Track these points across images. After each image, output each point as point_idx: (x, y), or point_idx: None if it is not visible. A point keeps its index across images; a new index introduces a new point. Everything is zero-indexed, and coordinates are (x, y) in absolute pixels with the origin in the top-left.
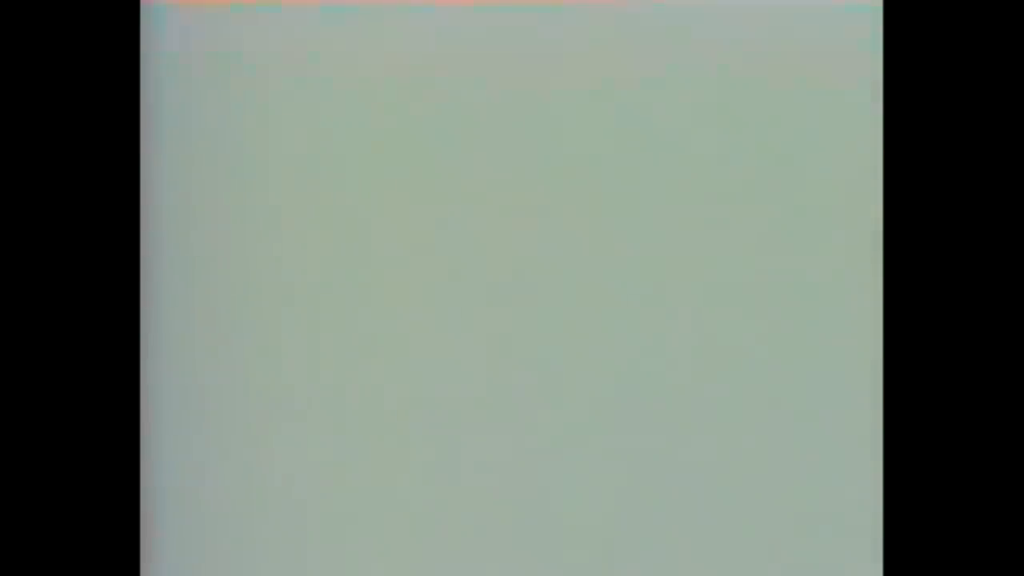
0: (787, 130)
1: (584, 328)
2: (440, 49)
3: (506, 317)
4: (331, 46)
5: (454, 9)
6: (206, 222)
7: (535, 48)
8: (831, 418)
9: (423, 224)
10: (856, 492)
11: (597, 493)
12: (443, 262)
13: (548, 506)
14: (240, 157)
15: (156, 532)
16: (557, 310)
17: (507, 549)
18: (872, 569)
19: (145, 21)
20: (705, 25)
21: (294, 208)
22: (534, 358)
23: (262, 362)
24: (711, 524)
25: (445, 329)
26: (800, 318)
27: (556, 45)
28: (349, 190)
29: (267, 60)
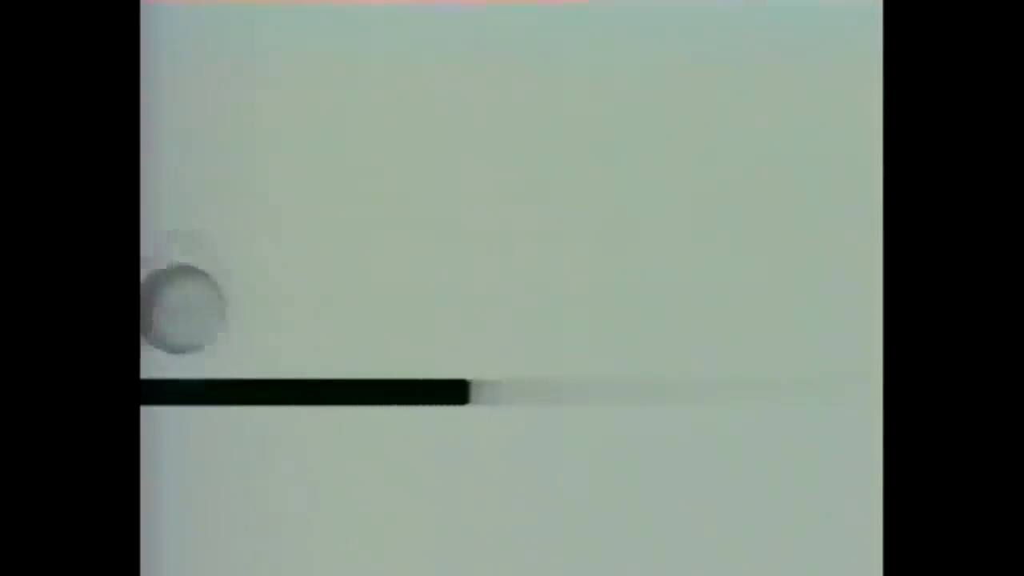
0: (787, 130)
1: (584, 330)
2: (440, 49)
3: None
4: (331, 46)
5: (454, 9)
6: (206, 223)
7: (534, 48)
8: (830, 415)
9: (423, 222)
10: (856, 493)
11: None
12: (444, 259)
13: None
14: (240, 157)
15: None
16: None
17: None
18: (872, 569)
19: (145, 21)
20: (705, 25)
21: (294, 208)
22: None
23: (258, 360)
24: (707, 519)
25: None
26: (799, 317)
27: (556, 45)
28: (349, 191)
29: (266, 60)
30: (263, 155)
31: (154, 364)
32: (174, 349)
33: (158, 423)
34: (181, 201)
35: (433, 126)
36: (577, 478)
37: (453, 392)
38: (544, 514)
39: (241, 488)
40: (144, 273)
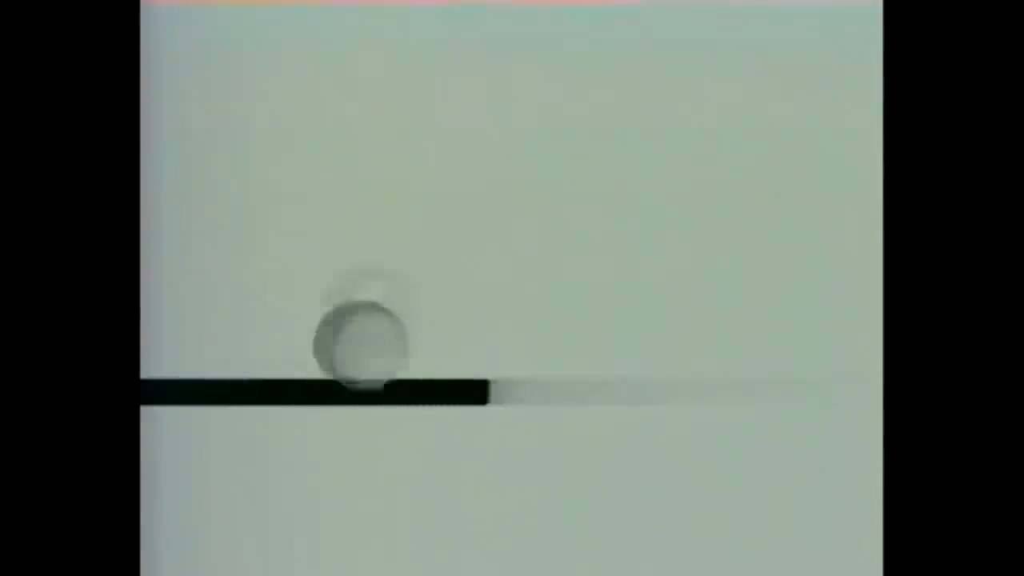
0: (787, 130)
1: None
2: (441, 48)
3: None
4: (331, 46)
5: (454, 9)
6: (206, 222)
7: (534, 48)
8: (829, 415)
9: (423, 223)
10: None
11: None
12: (462, 259)
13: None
14: (240, 157)
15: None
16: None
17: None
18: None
19: (145, 21)
20: (705, 25)
21: (294, 209)
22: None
23: (258, 360)
24: (708, 518)
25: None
26: (800, 317)
27: (556, 46)
28: (349, 191)
29: (267, 60)
30: (263, 155)
31: (154, 364)
32: (356, 384)
33: (158, 423)
34: (181, 201)
35: (437, 126)
36: (595, 477)
37: (473, 392)
38: (563, 513)
39: (244, 489)
40: (330, 307)
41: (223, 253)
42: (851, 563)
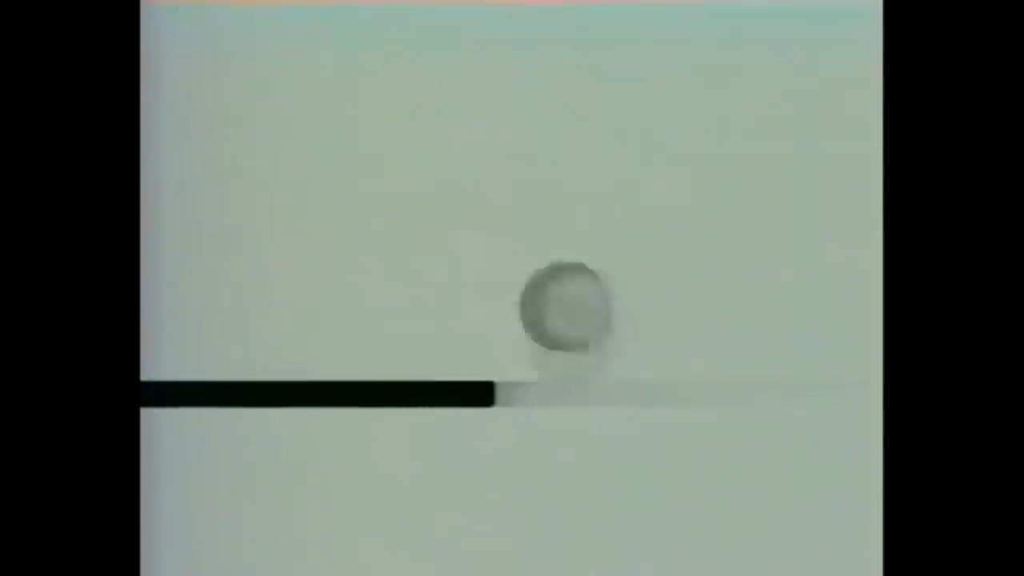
0: (787, 130)
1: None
2: (442, 48)
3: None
4: (331, 46)
5: (454, 9)
6: (206, 222)
7: (533, 48)
8: (830, 416)
9: (423, 223)
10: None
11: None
12: (466, 260)
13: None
14: (240, 157)
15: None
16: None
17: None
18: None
19: (145, 21)
20: (705, 25)
21: (294, 209)
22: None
23: (260, 367)
24: (708, 519)
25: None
26: (800, 318)
27: (555, 45)
28: (349, 192)
29: (267, 60)
30: (264, 155)
31: (154, 366)
32: (564, 346)
33: (158, 425)
34: (181, 201)
35: (439, 126)
36: (594, 478)
37: (478, 394)
38: (561, 514)
39: (244, 492)
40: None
41: (223, 254)
42: (851, 563)
